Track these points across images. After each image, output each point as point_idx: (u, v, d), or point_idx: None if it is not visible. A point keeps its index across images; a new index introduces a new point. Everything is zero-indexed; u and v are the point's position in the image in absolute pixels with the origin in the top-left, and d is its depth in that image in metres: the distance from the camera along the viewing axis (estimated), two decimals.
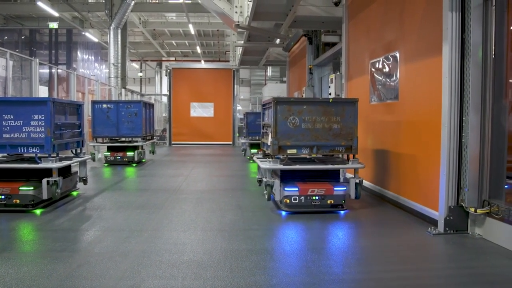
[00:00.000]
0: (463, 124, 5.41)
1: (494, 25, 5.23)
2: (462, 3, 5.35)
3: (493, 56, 5.26)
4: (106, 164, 12.93)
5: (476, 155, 5.34)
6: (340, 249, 5.02)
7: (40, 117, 6.85)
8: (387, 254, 4.79)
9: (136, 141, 13.14)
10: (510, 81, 5.36)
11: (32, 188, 6.57)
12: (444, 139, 5.50)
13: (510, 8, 5.17)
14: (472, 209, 5.27)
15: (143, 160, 14.15)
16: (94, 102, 13.21)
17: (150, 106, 14.95)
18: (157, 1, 22.64)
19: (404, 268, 4.40)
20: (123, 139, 13.52)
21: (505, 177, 5.30)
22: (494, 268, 4.35)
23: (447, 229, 5.46)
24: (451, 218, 5.45)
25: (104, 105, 13.03)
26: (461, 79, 5.41)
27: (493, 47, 5.26)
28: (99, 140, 13.20)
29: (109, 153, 12.92)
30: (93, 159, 12.87)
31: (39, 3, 18.57)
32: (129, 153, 12.87)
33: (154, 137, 16.08)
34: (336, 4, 10.17)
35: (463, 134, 5.41)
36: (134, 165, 12.97)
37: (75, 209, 6.84)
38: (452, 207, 5.45)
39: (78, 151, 8.17)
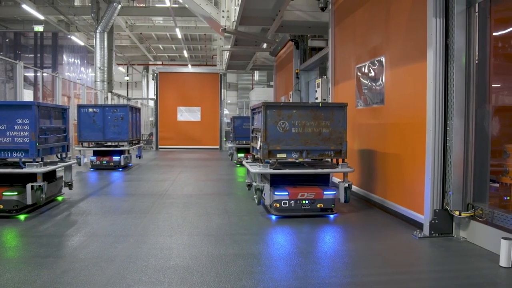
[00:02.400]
0: (448, 128, 5.48)
1: (477, 31, 5.32)
2: (446, 9, 5.44)
3: (477, 61, 5.34)
4: (92, 169, 12.81)
5: (460, 159, 5.41)
6: (327, 253, 5.03)
7: (24, 121, 6.77)
8: (374, 258, 4.82)
9: (123, 146, 13.05)
10: (493, 86, 5.45)
11: (16, 193, 6.48)
12: (429, 143, 5.56)
13: (492, 14, 5.26)
14: (457, 213, 5.33)
15: (130, 165, 14.05)
16: (80, 106, 13.08)
17: (137, 110, 14.86)
18: (144, 5, 22.57)
19: (389, 271, 4.43)
20: (109, 143, 13.41)
21: (489, 180, 5.38)
22: (478, 271, 4.40)
23: (432, 232, 5.52)
24: (436, 221, 5.51)
25: (90, 109, 12.90)
26: (445, 84, 5.49)
27: (477, 53, 5.34)
28: (85, 144, 13.08)
29: (95, 158, 12.81)
30: (79, 164, 12.75)
31: (24, 6, 18.40)
32: (115, 158, 12.78)
33: (141, 142, 15.97)
34: (323, 9, 10.25)
35: (448, 138, 5.48)
36: (120, 169, 12.88)
37: (60, 214, 6.76)
38: (437, 210, 5.51)
39: (63, 155, 8.09)
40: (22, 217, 6.47)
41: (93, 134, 12.84)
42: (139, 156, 15.27)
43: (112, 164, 12.79)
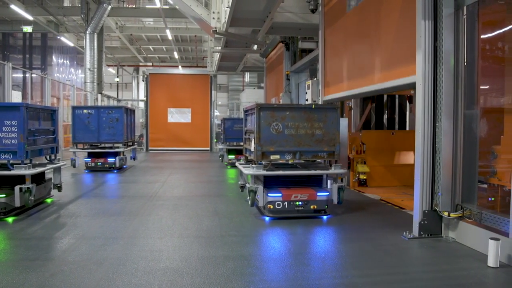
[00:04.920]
0: (436, 130, 5.52)
1: (465, 34, 5.37)
2: (435, 12, 5.48)
3: (465, 64, 5.39)
4: (86, 171, 12.72)
5: (449, 160, 5.46)
6: (318, 255, 5.04)
7: (12, 122, 6.71)
8: (364, 259, 4.84)
9: (118, 147, 12.98)
10: (481, 88, 5.51)
11: (4, 195, 6.42)
12: (418, 144, 5.60)
13: (480, 17, 5.31)
14: (446, 213, 5.37)
15: (125, 166, 13.96)
16: (74, 108, 13.03)
17: (131, 111, 14.79)
18: (134, 6, 22.46)
19: (379, 272, 4.44)
20: (103, 145, 13.29)
21: (477, 181, 5.42)
22: (467, 271, 4.44)
23: (421, 233, 5.55)
24: (426, 222, 5.54)
25: (85, 111, 12.83)
26: (434, 86, 5.53)
27: (465, 55, 5.39)
28: (80, 146, 12.99)
29: (90, 159, 12.72)
30: (74, 166, 12.68)
31: (13, 6, 18.21)
32: (110, 159, 12.71)
33: (135, 143, 15.86)
34: (313, 11, 10.29)
35: (437, 139, 5.52)
36: (115, 171, 12.81)
37: (49, 217, 6.70)
38: (426, 211, 5.55)
39: (53, 157, 8.02)
40: (10, 219, 6.40)
41: (87, 136, 12.75)
42: (134, 158, 15.16)
43: (107, 165, 12.71)
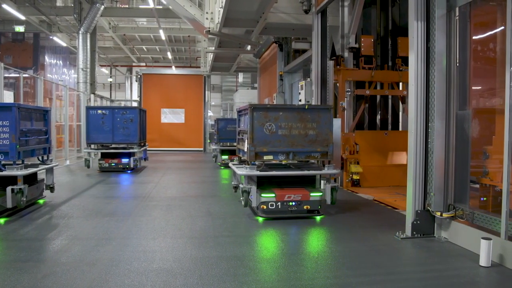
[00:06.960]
0: (429, 130, 5.54)
1: (457, 35, 5.40)
2: (427, 13, 5.51)
3: (457, 64, 5.42)
4: (100, 171, 12.66)
5: (442, 161, 5.48)
6: (311, 255, 5.05)
7: (4, 123, 6.67)
8: (357, 259, 4.85)
9: (132, 148, 12.94)
10: (473, 88, 5.54)
11: None
12: (411, 145, 5.62)
13: (472, 18, 5.35)
14: (438, 213, 5.40)
15: (137, 166, 13.91)
16: (88, 108, 13.08)
17: (144, 112, 14.78)
18: (127, 6, 22.37)
19: (371, 272, 4.45)
20: (114, 145, 13.22)
21: (469, 181, 5.45)
22: (459, 271, 4.46)
23: (414, 233, 5.57)
24: (418, 222, 5.57)
25: (99, 111, 12.82)
26: (426, 86, 5.55)
27: (457, 56, 5.42)
28: (93, 146, 12.95)
29: (103, 160, 12.69)
30: (88, 166, 12.63)
31: (4, 6, 18.09)
32: (124, 160, 12.68)
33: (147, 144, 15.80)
34: (306, 11, 10.31)
35: (429, 140, 5.55)
36: (129, 171, 12.77)
37: (41, 218, 6.66)
38: (419, 211, 5.57)
39: (45, 158, 7.97)
40: (2, 220, 6.35)
41: (101, 136, 12.74)
42: (145, 158, 15.11)
43: (121, 166, 12.69)
